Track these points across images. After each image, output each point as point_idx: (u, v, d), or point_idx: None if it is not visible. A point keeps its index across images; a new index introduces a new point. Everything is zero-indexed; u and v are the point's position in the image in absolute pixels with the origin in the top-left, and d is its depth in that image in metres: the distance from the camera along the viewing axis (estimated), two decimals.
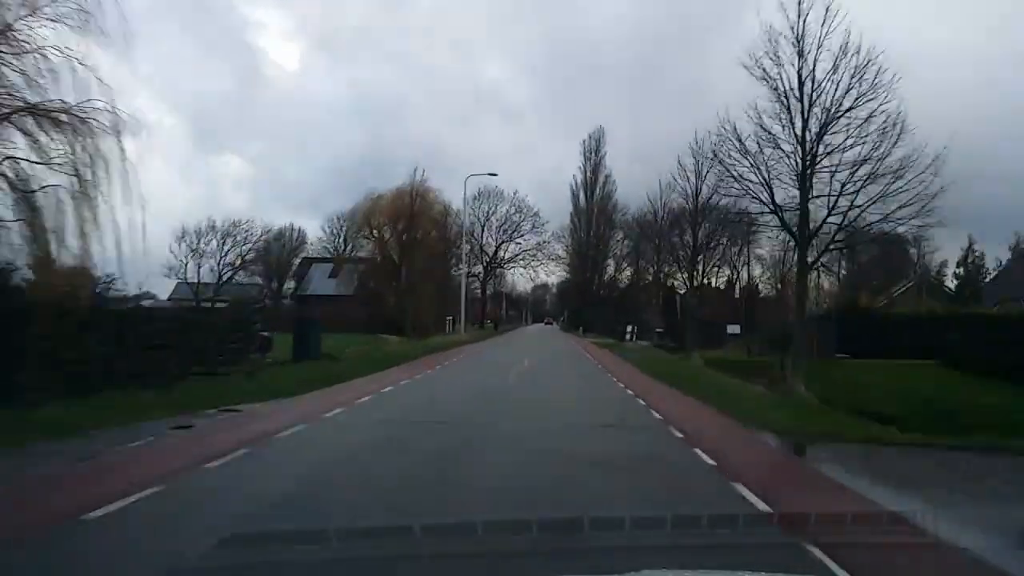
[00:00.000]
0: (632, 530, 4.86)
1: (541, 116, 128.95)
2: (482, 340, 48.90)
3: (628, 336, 49.64)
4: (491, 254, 76.15)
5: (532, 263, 77.27)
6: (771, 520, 6.17)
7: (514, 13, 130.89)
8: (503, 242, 76.32)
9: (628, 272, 79.50)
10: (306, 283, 67.62)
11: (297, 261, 68.09)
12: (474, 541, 4.62)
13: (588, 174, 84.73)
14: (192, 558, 4.68)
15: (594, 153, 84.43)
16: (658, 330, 48.91)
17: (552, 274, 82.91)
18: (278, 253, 65.68)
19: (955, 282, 60.29)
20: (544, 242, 76.32)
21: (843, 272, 66.26)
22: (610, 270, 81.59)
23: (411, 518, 5.33)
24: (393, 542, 4.63)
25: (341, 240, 67.94)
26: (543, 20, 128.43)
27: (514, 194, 75.53)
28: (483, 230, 75.70)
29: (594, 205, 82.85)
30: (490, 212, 75.51)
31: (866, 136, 17.03)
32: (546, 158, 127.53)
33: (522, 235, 76.10)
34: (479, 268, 75.43)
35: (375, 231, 55.75)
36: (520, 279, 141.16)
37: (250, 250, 58.05)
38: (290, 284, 67.89)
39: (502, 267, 78.24)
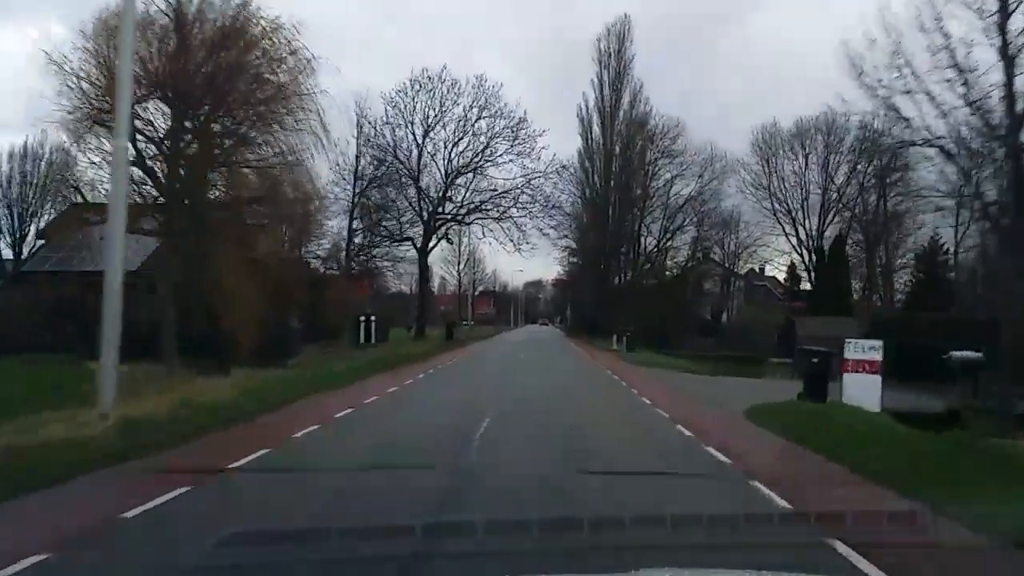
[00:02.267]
0: (632, 529, 4.61)
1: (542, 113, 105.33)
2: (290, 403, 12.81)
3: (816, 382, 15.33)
4: (439, 196, 42.59)
5: (511, 212, 42.48)
6: None
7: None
8: (463, 172, 42.57)
9: (688, 238, 47.21)
10: (76, 248, 34.53)
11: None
12: (474, 541, 4.44)
13: (607, 88, 52.17)
14: (190, 558, 4.52)
15: (614, 56, 51.81)
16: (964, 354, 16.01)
17: (552, 243, 49.36)
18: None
19: None
20: (536, 173, 42.09)
21: None
22: (651, 234, 48.67)
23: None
24: (393, 542, 4.51)
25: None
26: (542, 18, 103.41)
27: (479, 81, 41.19)
28: (420, 150, 41.40)
29: (619, 128, 50.15)
30: (433, 116, 41.14)
31: None
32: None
33: (494, 159, 42.14)
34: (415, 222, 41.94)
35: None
36: (502, 262, 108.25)
37: None
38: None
39: (459, 221, 44.27)
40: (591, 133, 54.36)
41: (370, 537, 4.55)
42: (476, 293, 77.76)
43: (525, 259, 50.03)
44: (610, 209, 50.73)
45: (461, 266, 61.89)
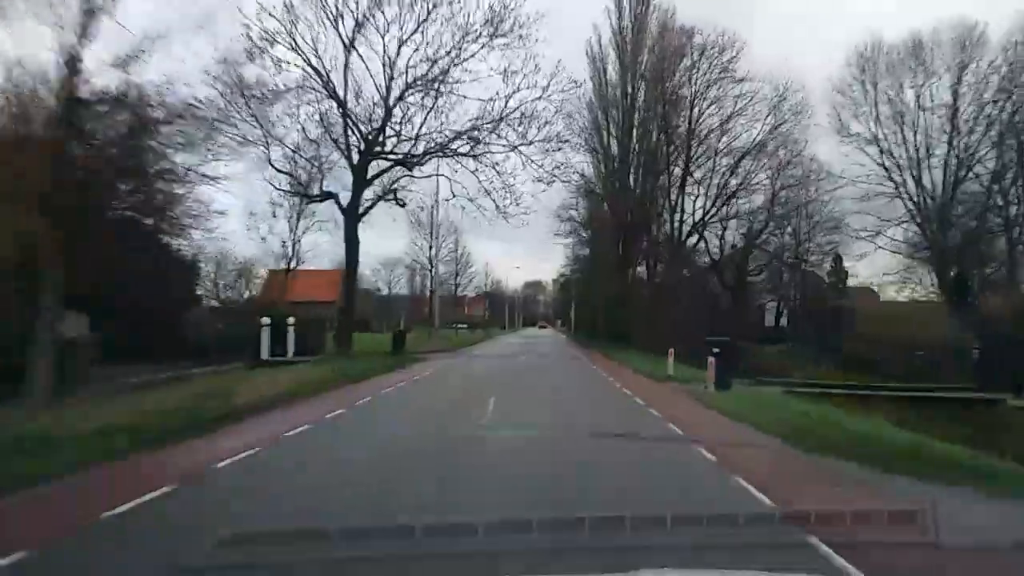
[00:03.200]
0: (632, 529, 4.31)
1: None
2: None
3: None
4: (377, 124, 26.66)
5: (490, 147, 26.99)
6: None
7: None
8: (415, 87, 26.60)
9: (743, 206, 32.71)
10: None
11: None
12: (474, 541, 4.23)
13: (626, 16, 37.91)
14: (190, 558, 4.45)
15: None
16: None
17: (555, 213, 34.41)
18: None
19: None
20: (529, 95, 26.45)
21: None
22: (705, 192, 33.96)
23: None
24: (393, 542, 4.36)
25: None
26: None
27: None
28: (347, 51, 25.82)
29: (652, 46, 35.71)
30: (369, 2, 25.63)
31: None
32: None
33: (464, 63, 26.27)
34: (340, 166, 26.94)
35: None
36: (495, 256, 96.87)
37: None
38: None
39: (409, 163, 27.51)
40: (605, 76, 39.97)
41: (370, 537, 4.54)
42: (458, 288, 63.62)
43: (514, 228, 35.25)
44: (631, 168, 36.19)
45: (434, 252, 47.23)
